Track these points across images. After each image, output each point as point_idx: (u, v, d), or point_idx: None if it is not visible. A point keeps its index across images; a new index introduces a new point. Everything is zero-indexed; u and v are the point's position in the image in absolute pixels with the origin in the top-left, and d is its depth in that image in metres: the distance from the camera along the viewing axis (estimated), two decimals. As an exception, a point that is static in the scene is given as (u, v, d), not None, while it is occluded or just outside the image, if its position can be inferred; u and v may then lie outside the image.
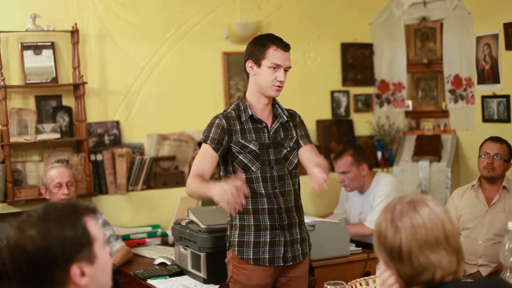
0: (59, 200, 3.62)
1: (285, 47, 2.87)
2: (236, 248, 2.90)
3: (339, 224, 3.66)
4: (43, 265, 1.51)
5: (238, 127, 2.89)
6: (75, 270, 1.53)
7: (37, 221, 1.54)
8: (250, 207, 2.88)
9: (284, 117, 2.96)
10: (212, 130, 2.88)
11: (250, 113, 2.89)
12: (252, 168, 2.87)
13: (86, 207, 1.61)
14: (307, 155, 2.96)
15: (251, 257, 2.88)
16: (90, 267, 1.56)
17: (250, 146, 2.88)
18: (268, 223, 2.88)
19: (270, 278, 2.92)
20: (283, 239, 2.89)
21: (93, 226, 1.59)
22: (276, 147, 2.92)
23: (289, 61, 2.88)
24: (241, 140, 2.88)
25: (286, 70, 2.88)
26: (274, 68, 2.84)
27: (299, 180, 3.03)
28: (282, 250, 2.90)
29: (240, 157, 2.87)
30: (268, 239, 2.88)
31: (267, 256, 2.89)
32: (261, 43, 2.87)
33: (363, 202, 4.26)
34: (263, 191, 2.87)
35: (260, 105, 2.92)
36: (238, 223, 2.92)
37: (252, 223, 2.89)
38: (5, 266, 4.24)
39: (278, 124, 2.94)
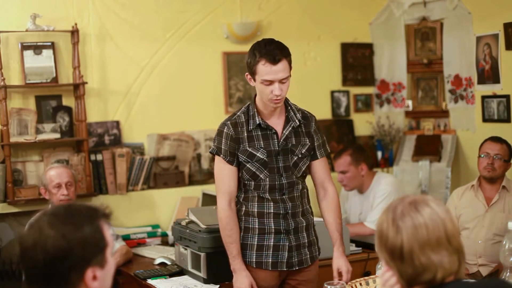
0: (58, 201, 3.62)
1: (273, 60, 2.68)
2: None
3: (339, 224, 3.65)
4: (62, 265, 1.52)
5: (246, 135, 2.82)
6: (89, 273, 1.55)
7: (56, 221, 1.55)
8: (256, 210, 2.86)
9: (296, 121, 2.86)
10: (223, 141, 2.82)
11: (258, 122, 2.81)
12: (261, 176, 2.82)
13: (103, 212, 1.62)
14: (319, 173, 2.95)
15: (254, 260, 2.86)
16: (101, 271, 1.58)
17: (258, 154, 2.81)
18: (273, 227, 2.85)
19: (275, 281, 2.90)
20: (287, 243, 2.85)
21: (107, 231, 1.61)
22: (286, 154, 2.84)
23: (283, 71, 2.71)
24: (248, 149, 2.82)
25: (282, 82, 2.73)
26: (267, 83, 2.72)
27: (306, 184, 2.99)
28: (286, 255, 2.86)
29: (247, 165, 2.82)
30: (272, 243, 2.85)
31: (270, 260, 2.85)
32: (253, 55, 2.73)
33: (363, 202, 4.26)
34: (269, 197, 2.85)
35: (268, 110, 2.84)
36: (243, 225, 2.89)
37: (257, 226, 2.86)
38: (5, 266, 4.22)
39: (289, 129, 2.85)
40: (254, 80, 2.77)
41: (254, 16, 4.69)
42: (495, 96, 4.44)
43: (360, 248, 3.70)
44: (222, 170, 2.85)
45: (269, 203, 2.84)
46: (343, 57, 5.03)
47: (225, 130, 2.83)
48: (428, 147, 4.90)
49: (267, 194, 2.84)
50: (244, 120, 2.84)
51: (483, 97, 4.53)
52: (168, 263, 3.65)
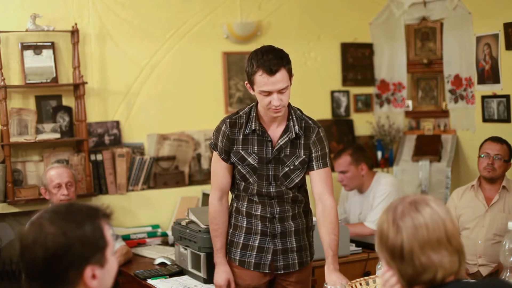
0: (58, 201, 3.62)
1: (270, 71, 2.60)
2: (227, 247, 2.91)
3: (339, 224, 3.64)
4: (61, 262, 1.53)
5: (241, 137, 2.79)
6: (88, 271, 1.55)
7: (57, 218, 1.56)
8: (245, 209, 2.87)
9: (293, 133, 2.76)
10: (219, 138, 2.82)
11: (254, 128, 2.76)
12: (250, 179, 2.82)
13: (104, 212, 1.63)
14: (316, 185, 2.82)
15: (238, 258, 2.88)
16: (100, 271, 1.58)
17: (249, 159, 2.79)
18: (260, 228, 2.85)
19: (262, 280, 2.90)
20: (272, 247, 2.85)
21: (107, 231, 1.61)
22: (277, 163, 2.78)
23: (282, 82, 2.63)
24: (241, 151, 2.79)
25: (281, 92, 2.65)
26: (265, 94, 2.65)
27: (305, 188, 2.93)
28: (270, 257, 2.85)
29: (239, 167, 2.82)
30: (256, 244, 2.86)
31: (253, 261, 2.86)
32: (251, 65, 2.65)
33: (362, 202, 4.26)
34: (257, 200, 2.85)
35: (268, 117, 2.78)
36: (232, 222, 2.92)
37: (244, 225, 2.88)
38: (5, 266, 4.22)
39: (286, 139, 2.76)
40: (253, 89, 2.71)
41: (254, 16, 4.69)
42: (495, 96, 4.44)
43: (360, 248, 3.70)
44: (217, 167, 2.89)
45: (257, 205, 2.85)
46: (343, 57, 5.03)
47: (223, 128, 2.82)
48: (428, 147, 4.90)
49: (256, 197, 2.84)
50: (243, 121, 2.80)
51: (483, 97, 4.53)
52: (168, 263, 3.65)
